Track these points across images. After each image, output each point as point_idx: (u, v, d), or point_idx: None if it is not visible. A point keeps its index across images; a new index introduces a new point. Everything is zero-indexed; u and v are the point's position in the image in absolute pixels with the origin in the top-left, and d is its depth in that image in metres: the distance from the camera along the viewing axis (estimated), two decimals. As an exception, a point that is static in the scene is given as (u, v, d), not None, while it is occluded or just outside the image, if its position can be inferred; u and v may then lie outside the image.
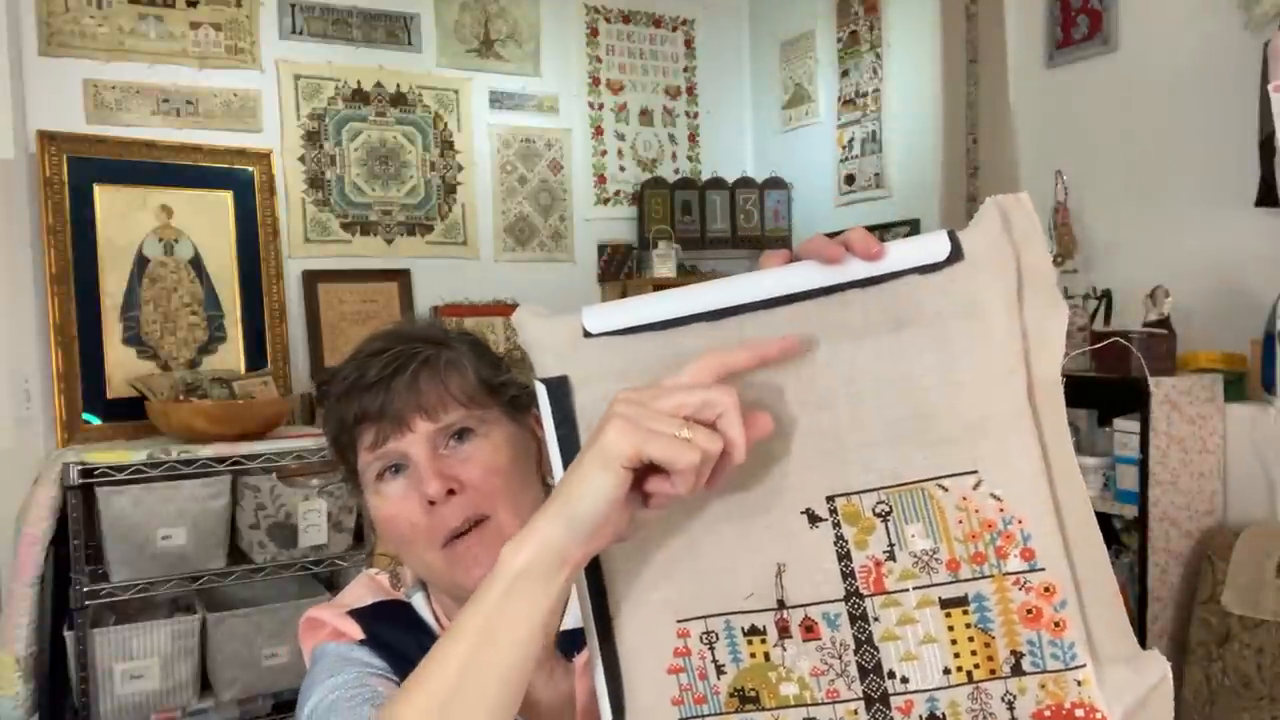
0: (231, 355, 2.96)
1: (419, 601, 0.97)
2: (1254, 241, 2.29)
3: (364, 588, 1.01)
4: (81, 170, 2.78)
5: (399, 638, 0.92)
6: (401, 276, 3.32)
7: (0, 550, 2.56)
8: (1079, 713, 0.60)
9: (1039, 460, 0.60)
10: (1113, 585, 0.62)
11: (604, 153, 3.78)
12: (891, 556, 0.62)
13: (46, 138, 2.74)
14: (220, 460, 2.53)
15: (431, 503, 0.87)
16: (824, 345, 0.62)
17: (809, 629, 0.63)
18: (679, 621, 0.65)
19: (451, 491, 0.87)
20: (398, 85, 3.34)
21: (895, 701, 0.62)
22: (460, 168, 3.46)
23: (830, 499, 0.62)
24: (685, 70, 3.96)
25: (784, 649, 0.63)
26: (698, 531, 0.65)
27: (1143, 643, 2.20)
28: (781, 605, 0.63)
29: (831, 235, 0.65)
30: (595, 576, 0.66)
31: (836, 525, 0.62)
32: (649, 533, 0.65)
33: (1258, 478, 2.21)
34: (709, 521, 0.64)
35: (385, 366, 0.89)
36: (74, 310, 2.72)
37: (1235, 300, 2.32)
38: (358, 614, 0.95)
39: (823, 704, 0.63)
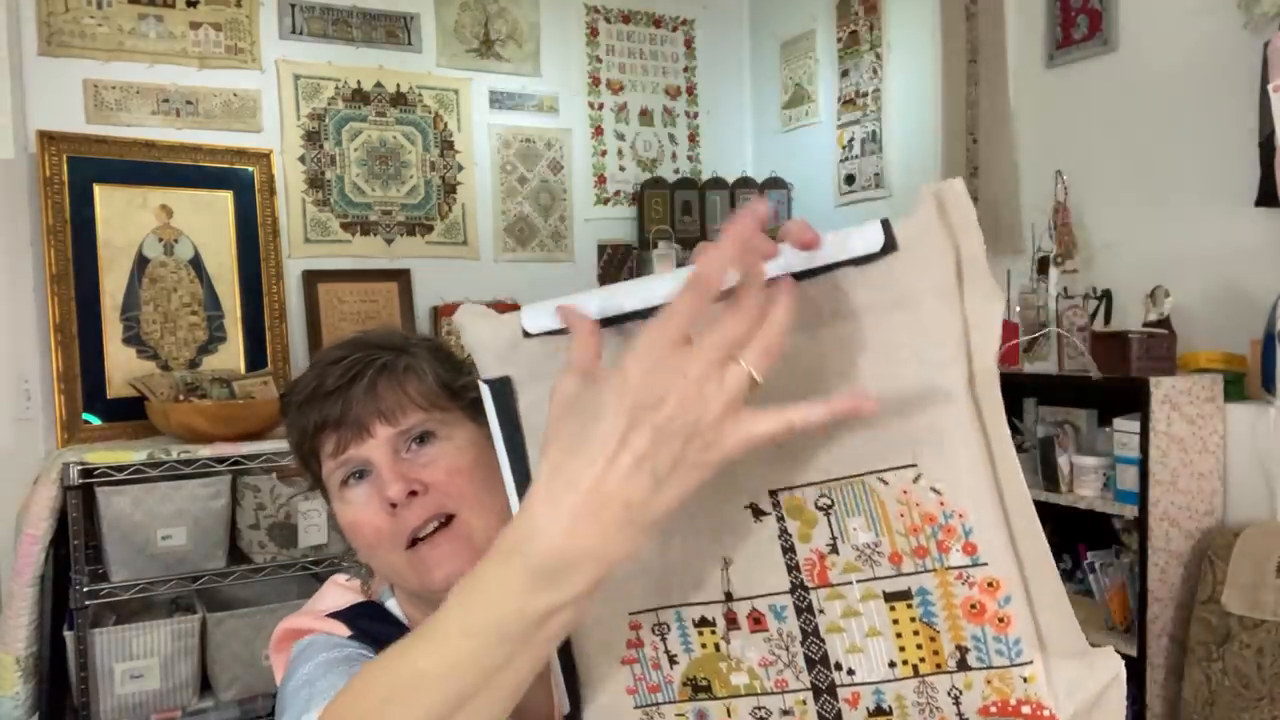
0: (231, 355, 2.96)
1: (392, 606, 0.98)
2: (1254, 241, 2.29)
3: (337, 592, 1.01)
4: (81, 170, 2.78)
5: (384, 631, 0.92)
6: (401, 276, 3.32)
7: (0, 550, 2.56)
8: (1025, 709, 0.59)
9: (980, 452, 0.59)
10: (1056, 580, 0.62)
11: (604, 153, 3.77)
12: (834, 549, 0.61)
13: (46, 138, 2.74)
14: (220, 460, 2.53)
15: (394, 505, 0.87)
16: None
17: (756, 620, 0.63)
18: (631, 614, 0.66)
19: (414, 493, 0.87)
20: (398, 85, 3.34)
21: (842, 693, 0.62)
22: (460, 168, 3.46)
23: (774, 493, 0.62)
24: (685, 70, 3.96)
25: (732, 641, 0.64)
26: None
27: (1143, 641, 2.19)
28: (729, 598, 0.64)
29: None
30: None
31: (780, 519, 0.62)
32: None
33: (1258, 478, 2.21)
34: None
35: (344, 374, 0.89)
36: (74, 310, 2.72)
37: (1235, 300, 2.32)
38: (339, 615, 0.95)
39: (772, 693, 0.64)
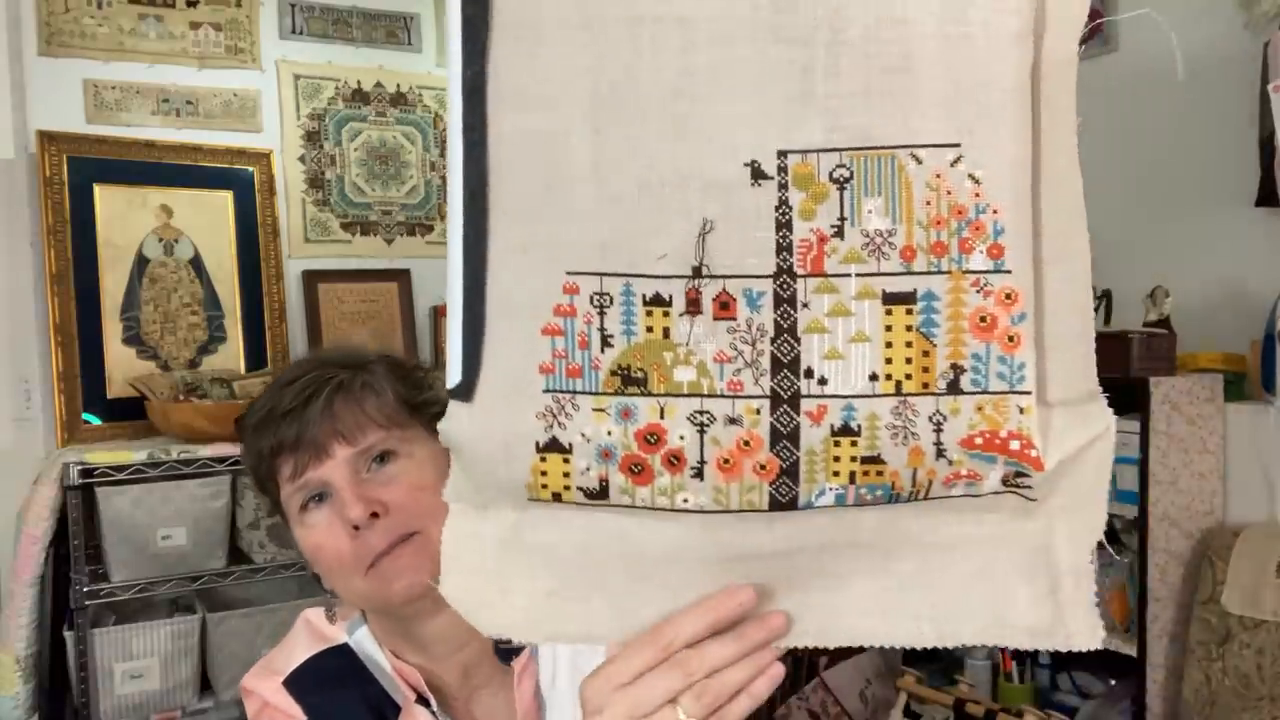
0: (231, 355, 2.96)
1: (360, 636, 0.95)
2: (1254, 241, 2.29)
3: (300, 636, 0.98)
4: (81, 170, 2.78)
5: (339, 700, 0.90)
6: (401, 276, 3.32)
7: (0, 550, 2.56)
8: (1014, 444, 0.53)
9: (1028, 148, 0.52)
10: (1085, 313, 0.55)
11: (604, 153, 3.77)
12: (839, 233, 0.53)
13: (46, 138, 2.74)
14: (220, 460, 2.53)
15: (356, 528, 0.85)
16: None
17: (724, 305, 0.54)
18: (569, 274, 0.55)
19: (375, 515, 0.85)
20: (398, 85, 3.34)
21: (806, 405, 0.53)
22: (460, 168, 3.46)
23: (782, 154, 0.53)
24: (685, 70, 3.96)
25: (690, 325, 0.54)
26: (610, 156, 0.54)
27: (1143, 642, 2.16)
28: (697, 273, 0.54)
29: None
30: (478, 200, 0.55)
31: (784, 187, 0.53)
32: (554, 147, 0.54)
33: (1258, 478, 2.21)
34: (631, 145, 0.54)
35: (299, 394, 0.87)
36: (74, 310, 2.72)
37: (1235, 300, 2.32)
38: (295, 683, 0.92)
39: (721, 396, 0.54)
